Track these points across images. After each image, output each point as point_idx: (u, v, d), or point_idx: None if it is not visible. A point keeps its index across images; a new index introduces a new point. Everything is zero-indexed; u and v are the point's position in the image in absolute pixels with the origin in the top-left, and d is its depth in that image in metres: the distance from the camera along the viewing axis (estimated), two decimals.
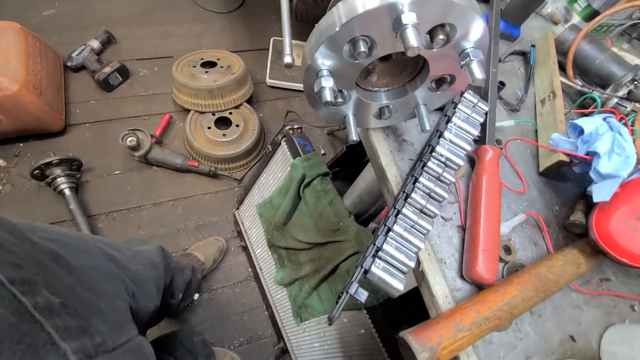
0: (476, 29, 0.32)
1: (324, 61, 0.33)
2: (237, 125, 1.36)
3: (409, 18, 0.27)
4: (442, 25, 0.31)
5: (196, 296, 1.17)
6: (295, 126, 0.92)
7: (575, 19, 0.66)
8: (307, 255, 0.92)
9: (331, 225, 0.81)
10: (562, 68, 0.58)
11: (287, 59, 0.42)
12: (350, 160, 1.06)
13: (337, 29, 0.30)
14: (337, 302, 0.36)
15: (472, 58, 0.32)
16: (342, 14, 0.30)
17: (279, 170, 0.96)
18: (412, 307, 0.77)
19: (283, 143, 0.90)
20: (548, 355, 0.39)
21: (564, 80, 0.56)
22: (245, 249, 1.25)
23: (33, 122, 1.21)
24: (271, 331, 1.18)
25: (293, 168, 0.85)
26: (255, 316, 1.20)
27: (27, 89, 1.13)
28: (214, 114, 1.35)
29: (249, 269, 1.26)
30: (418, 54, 0.30)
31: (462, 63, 0.33)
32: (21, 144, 1.27)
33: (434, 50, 0.33)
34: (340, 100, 0.38)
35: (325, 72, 0.33)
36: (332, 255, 0.81)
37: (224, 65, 1.37)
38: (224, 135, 1.33)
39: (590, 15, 0.64)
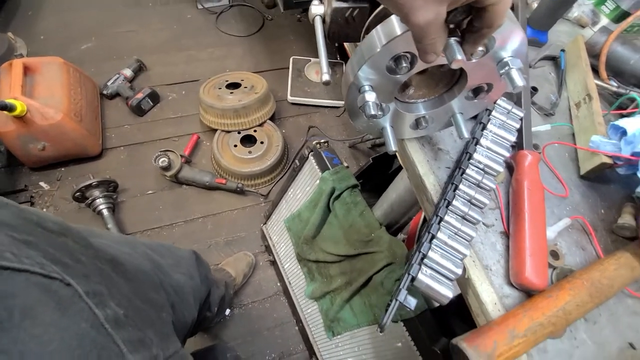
0: (514, 38, 0.33)
1: (366, 78, 0.35)
2: (262, 142, 1.40)
3: None
4: None
5: (227, 311, 1.19)
6: (322, 140, 0.94)
7: (604, 21, 0.66)
8: (338, 268, 0.93)
9: (362, 236, 0.81)
10: (595, 71, 0.58)
11: (325, 77, 0.44)
12: (376, 173, 1.07)
13: (379, 49, 0.31)
14: (386, 310, 0.37)
15: (511, 66, 0.33)
16: (382, 35, 0.31)
17: (307, 184, 0.98)
18: (450, 319, 0.76)
19: (311, 157, 0.92)
20: None
21: (598, 83, 0.55)
22: (273, 263, 1.26)
23: (74, 147, 1.29)
24: (302, 346, 1.17)
25: (322, 181, 0.86)
26: (286, 331, 1.20)
27: (69, 117, 1.21)
28: (239, 133, 1.40)
29: (278, 284, 1.27)
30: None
31: (501, 72, 0.34)
32: (62, 169, 1.35)
33: (473, 60, 0.34)
34: (380, 112, 0.39)
35: (367, 88, 0.35)
36: (365, 267, 0.81)
37: (248, 86, 1.43)
38: (250, 152, 1.37)
39: (620, 16, 0.64)
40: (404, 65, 0.32)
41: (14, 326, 0.24)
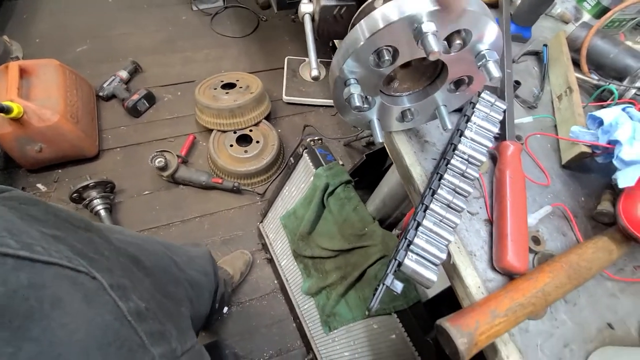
0: (490, 32, 0.34)
1: (351, 72, 0.36)
2: (258, 142, 1.41)
3: (428, 27, 0.30)
4: (458, 31, 0.34)
5: (225, 309, 1.20)
6: (316, 138, 0.95)
7: (586, 16, 0.68)
8: (333, 263, 0.94)
9: (356, 230, 0.83)
10: (577, 64, 0.60)
11: (314, 72, 0.45)
12: (370, 169, 1.08)
13: (362, 42, 0.33)
14: (373, 295, 0.38)
15: (488, 59, 0.35)
16: (365, 29, 0.33)
17: (302, 181, 0.99)
18: (442, 310, 0.77)
19: (305, 154, 0.93)
20: (587, 342, 0.39)
21: (580, 76, 0.57)
22: (270, 261, 1.27)
23: (70, 149, 1.30)
24: (300, 342, 1.19)
25: (316, 177, 0.88)
26: (284, 328, 1.21)
27: (66, 119, 1.22)
28: (235, 132, 1.42)
29: (275, 281, 1.28)
30: (437, 58, 0.33)
31: (479, 64, 0.35)
32: (59, 170, 1.36)
33: (452, 54, 0.35)
34: (366, 105, 0.41)
35: (352, 81, 0.36)
36: (359, 261, 0.83)
37: (243, 86, 1.44)
38: (246, 151, 1.39)
39: (601, 12, 0.66)
40: (387, 58, 0.34)
41: (44, 316, 0.25)
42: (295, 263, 1.09)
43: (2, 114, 1.08)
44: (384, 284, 0.38)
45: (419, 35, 0.31)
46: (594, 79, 0.58)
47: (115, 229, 0.51)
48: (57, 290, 0.27)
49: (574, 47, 0.60)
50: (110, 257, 0.36)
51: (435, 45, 0.30)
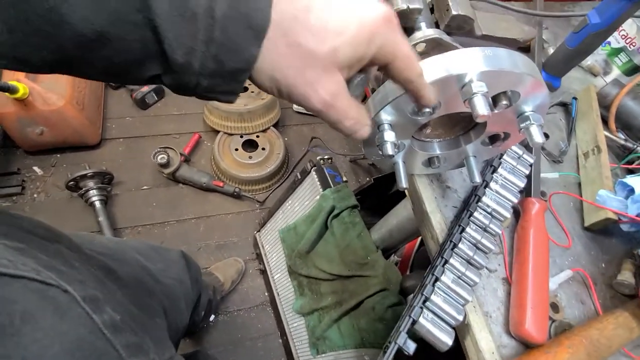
0: (538, 94, 0.33)
1: (387, 117, 0.35)
2: (263, 149, 1.39)
3: (479, 88, 0.29)
4: (505, 91, 0.32)
5: (212, 317, 1.17)
6: (326, 157, 0.93)
7: (615, 72, 0.67)
8: (329, 286, 0.92)
9: (358, 258, 0.81)
10: (604, 121, 0.59)
11: None
12: (375, 192, 1.07)
13: (404, 92, 0.31)
14: (384, 353, 0.36)
15: (532, 122, 0.33)
16: None
17: (306, 198, 0.97)
18: (437, 351, 0.75)
19: (313, 172, 0.91)
20: None
21: (606, 134, 0.56)
22: (263, 272, 1.25)
23: (72, 135, 1.27)
24: None
25: (323, 199, 0.86)
26: (269, 343, 1.18)
27: (72, 105, 1.19)
28: (242, 137, 1.39)
29: (266, 294, 1.25)
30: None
31: (521, 125, 0.34)
32: (58, 155, 1.33)
33: (495, 111, 0.34)
34: (396, 150, 0.39)
35: (387, 127, 0.35)
36: (357, 290, 0.81)
37: (255, 91, 1.42)
38: (250, 157, 1.37)
39: (631, 69, 0.65)
40: (427, 110, 0.32)
41: (15, 332, 0.25)
42: (289, 279, 1.06)
43: (6, 93, 1.05)
44: (395, 343, 0.35)
45: (467, 94, 0.29)
46: (620, 138, 0.57)
47: (86, 238, 0.49)
48: (27, 304, 0.26)
49: (603, 104, 0.59)
50: (81, 269, 0.35)
51: (484, 108, 0.28)
